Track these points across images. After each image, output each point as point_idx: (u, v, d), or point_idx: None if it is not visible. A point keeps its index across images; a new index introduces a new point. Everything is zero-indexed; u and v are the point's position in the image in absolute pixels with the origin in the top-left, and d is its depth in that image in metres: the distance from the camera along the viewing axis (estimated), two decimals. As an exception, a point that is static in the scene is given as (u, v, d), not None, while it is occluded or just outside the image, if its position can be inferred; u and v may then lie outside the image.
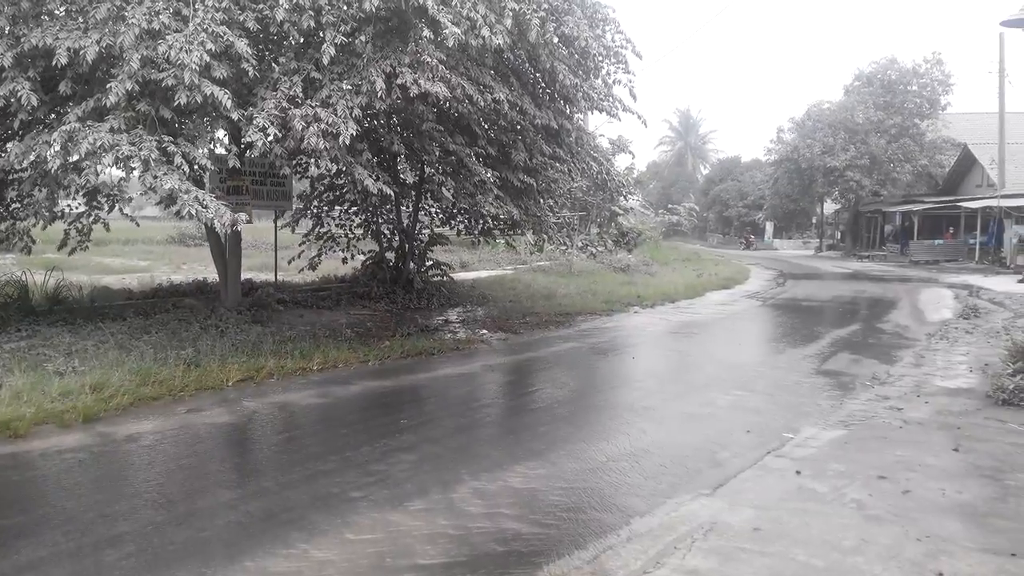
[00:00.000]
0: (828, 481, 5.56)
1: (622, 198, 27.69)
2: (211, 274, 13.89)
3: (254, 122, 7.99)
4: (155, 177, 7.64)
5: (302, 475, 5.69)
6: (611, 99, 12.75)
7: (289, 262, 14.83)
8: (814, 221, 54.98)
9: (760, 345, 12.94)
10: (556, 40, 10.79)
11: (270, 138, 8.61)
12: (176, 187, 7.58)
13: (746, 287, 23.12)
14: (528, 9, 9.31)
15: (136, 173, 7.97)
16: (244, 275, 13.48)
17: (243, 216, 7.89)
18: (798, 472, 5.74)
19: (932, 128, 39.96)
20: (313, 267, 14.93)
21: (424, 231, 15.81)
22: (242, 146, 10.20)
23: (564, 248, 23.71)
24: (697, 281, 22.69)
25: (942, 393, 8.50)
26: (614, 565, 4.28)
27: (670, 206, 60.54)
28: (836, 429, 7.01)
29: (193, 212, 7.59)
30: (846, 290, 22.35)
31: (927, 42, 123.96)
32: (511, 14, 8.96)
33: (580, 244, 26.52)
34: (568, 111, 12.96)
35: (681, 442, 6.69)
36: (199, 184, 8.25)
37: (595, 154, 15.07)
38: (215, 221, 7.62)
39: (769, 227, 62.14)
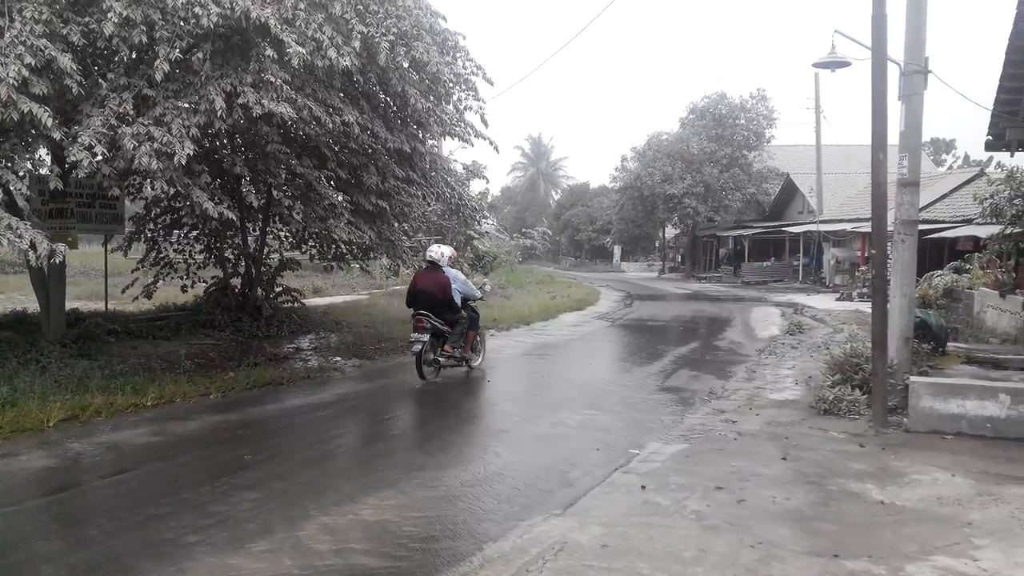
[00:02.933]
0: (670, 494, 5.80)
1: (477, 223, 28.02)
2: (32, 304, 12.71)
3: (79, 140, 7.44)
4: None
5: (132, 521, 5.27)
6: (463, 124, 12.91)
7: (123, 291, 13.84)
8: (657, 245, 57.64)
9: (609, 364, 13.40)
10: (407, 64, 10.79)
11: (98, 158, 8.05)
12: None
13: (597, 308, 23.95)
14: (377, 32, 9.26)
15: None
16: (70, 304, 12.44)
17: (62, 247, 7.31)
18: (643, 487, 5.95)
19: (759, 159, 43.21)
20: (149, 295, 14.01)
21: (273, 256, 15.24)
22: (66, 166, 9.47)
23: (419, 272, 23.69)
24: (551, 303, 23.24)
25: (771, 405, 9.12)
26: (467, 593, 4.24)
27: (524, 230, 61.63)
28: (678, 443, 7.35)
29: (6, 242, 6.94)
30: (686, 310, 23.65)
31: (753, 78, 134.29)
32: (359, 36, 8.88)
33: (436, 268, 26.52)
34: (421, 135, 12.98)
35: (534, 464, 6.78)
36: (15, 209, 7.56)
37: (449, 178, 15.16)
38: (30, 252, 7.01)
39: (617, 251, 64.67)
